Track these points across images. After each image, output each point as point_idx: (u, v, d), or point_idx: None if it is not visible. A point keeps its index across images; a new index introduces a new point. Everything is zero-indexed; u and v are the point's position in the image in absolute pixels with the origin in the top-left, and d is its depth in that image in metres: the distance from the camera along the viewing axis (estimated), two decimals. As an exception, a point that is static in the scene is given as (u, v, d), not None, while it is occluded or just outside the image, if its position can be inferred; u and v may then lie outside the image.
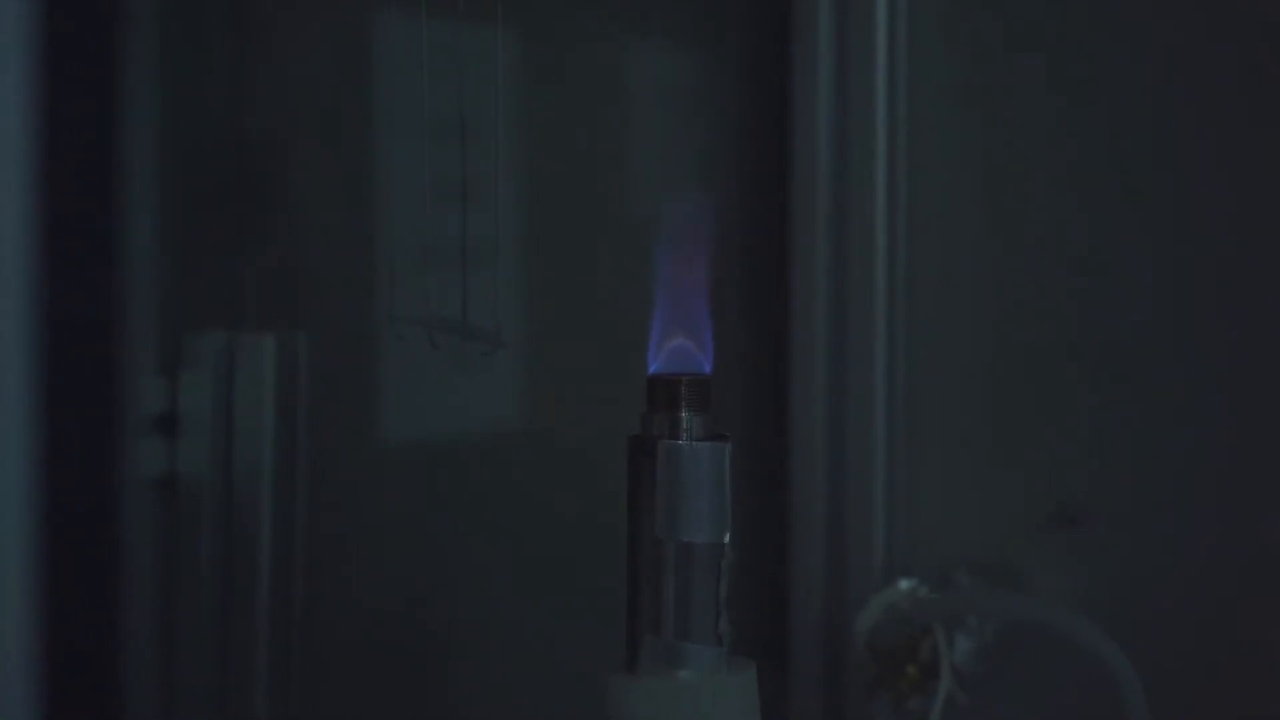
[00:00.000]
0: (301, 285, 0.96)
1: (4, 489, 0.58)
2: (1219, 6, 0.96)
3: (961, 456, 1.03)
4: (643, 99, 1.08)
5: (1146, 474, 0.98)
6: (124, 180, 0.82)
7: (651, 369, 0.75)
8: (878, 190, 1.03)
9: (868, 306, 1.03)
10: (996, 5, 1.02)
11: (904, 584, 1.00)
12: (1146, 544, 0.98)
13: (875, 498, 1.03)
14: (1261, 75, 0.94)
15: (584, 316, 1.04)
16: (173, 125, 0.91)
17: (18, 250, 0.59)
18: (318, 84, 0.97)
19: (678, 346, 0.75)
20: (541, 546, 1.02)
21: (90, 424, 0.61)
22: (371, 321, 0.95)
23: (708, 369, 0.75)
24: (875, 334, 1.03)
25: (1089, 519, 0.99)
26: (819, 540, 1.04)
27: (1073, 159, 1.00)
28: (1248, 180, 0.95)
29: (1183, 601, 0.97)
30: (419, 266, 0.92)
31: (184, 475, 0.89)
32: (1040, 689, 0.99)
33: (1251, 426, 0.96)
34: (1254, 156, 0.95)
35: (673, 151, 1.08)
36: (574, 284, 1.04)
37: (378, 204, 0.97)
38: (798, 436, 1.04)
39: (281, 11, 0.97)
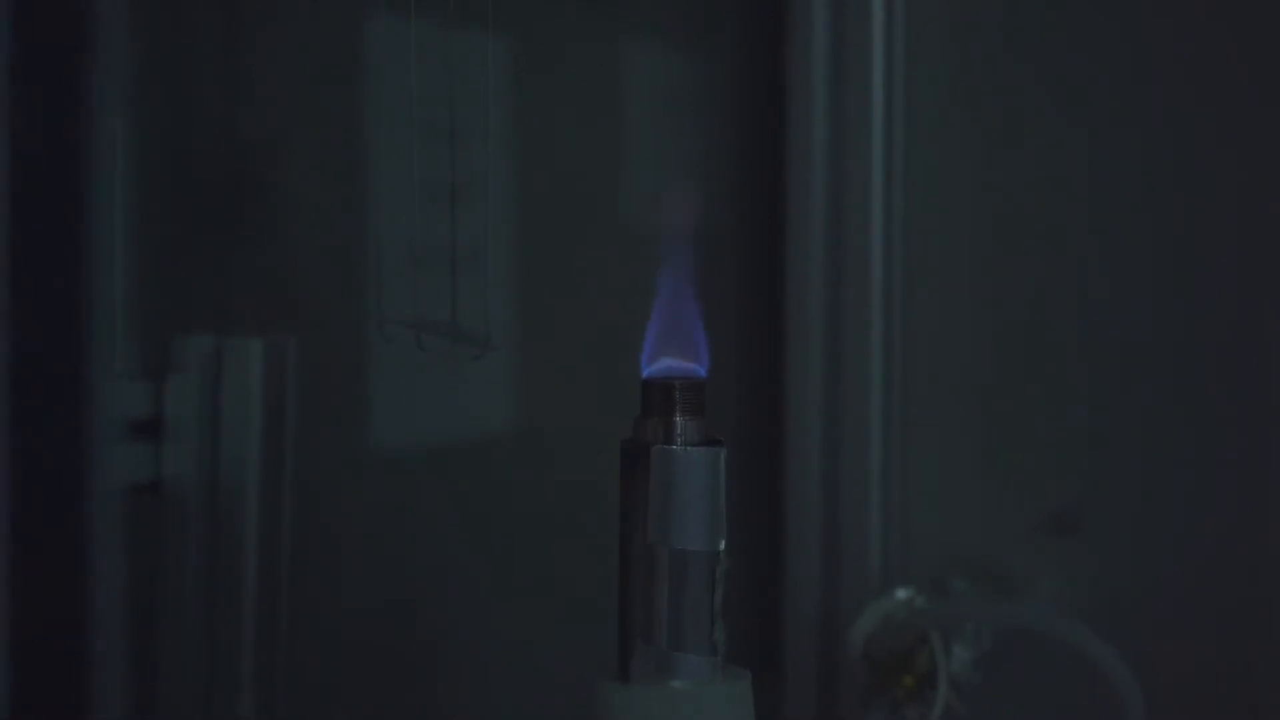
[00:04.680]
0: (290, 289, 0.96)
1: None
2: (1218, 5, 0.96)
3: (958, 463, 1.02)
4: (635, 99, 1.07)
5: (1145, 480, 0.98)
6: (109, 183, 0.82)
7: (645, 373, 0.75)
8: (873, 191, 1.03)
9: (864, 309, 1.03)
10: (993, 5, 1.02)
11: (900, 592, 1.00)
12: (1145, 551, 0.98)
13: (871, 504, 1.03)
14: (1261, 75, 0.94)
15: (577, 319, 1.03)
16: (161, 127, 0.90)
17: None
18: (307, 85, 0.96)
19: (670, 363, 0.74)
20: (533, 552, 1.02)
21: (64, 430, 0.60)
22: (361, 325, 0.95)
23: (703, 373, 0.75)
24: (871, 337, 1.03)
25: (1087, 525, 0.99)
26: (814, 548, 1.04)
27: (1070, 163, 1.00)
28: (1247, 182, 0.95)
29: (1182, 608, 0.97)
30: (409, 269, 0.92)
31: (170, 480, 0.89)
32: (1039, 698, 0.99)
33: (1250, 430, 0.95)
34: (1254, 158, 0.95)
35: (666, 152, 1.08)
36: (567, 286, 1.03)
37: (368, 207, 0.97)
38: (793, 442, 1.04)
39: (272, 12, 0.97)
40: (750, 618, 1.04)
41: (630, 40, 1.06)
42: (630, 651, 0.73)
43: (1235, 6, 0.96)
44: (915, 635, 0.98)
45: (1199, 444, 0.97)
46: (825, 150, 1.04)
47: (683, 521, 0.72)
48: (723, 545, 0.72)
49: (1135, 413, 0.99)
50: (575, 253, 1.04)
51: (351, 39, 0.96)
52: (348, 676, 0.97)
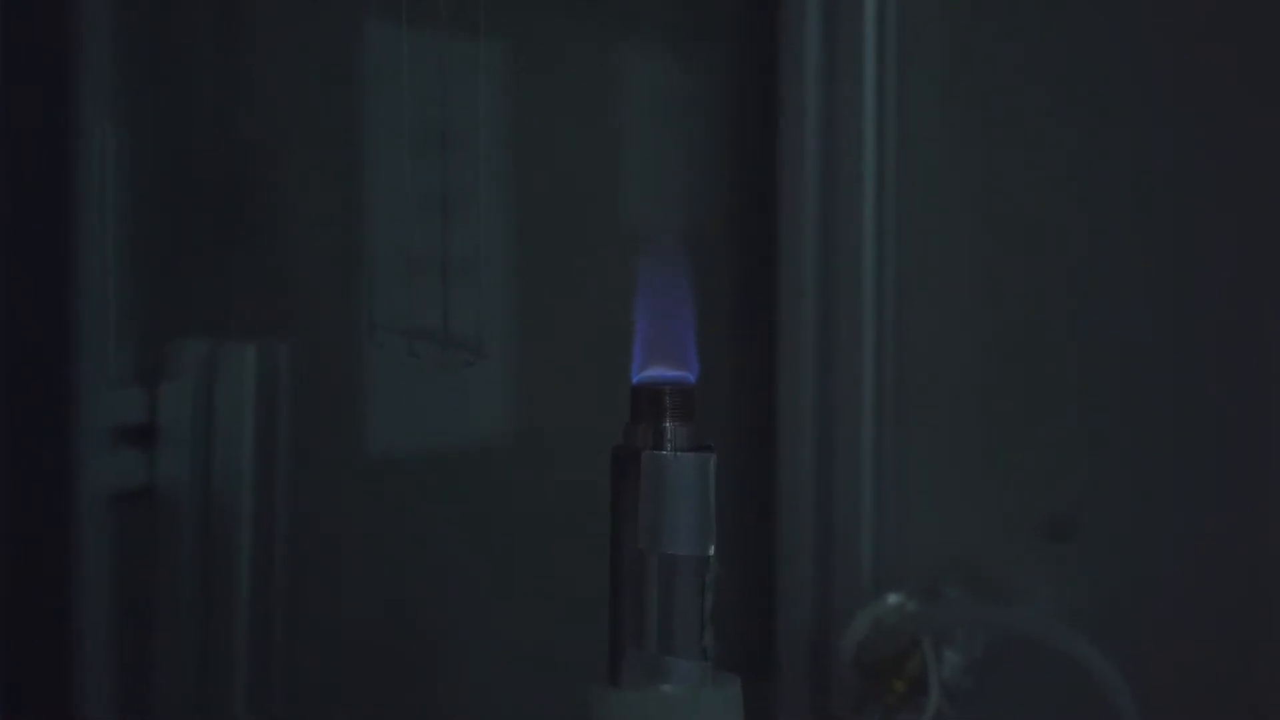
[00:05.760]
0: (284, 294, 0.96)
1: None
2: (1217, 7, 0.95)
3: (951, 468, 1.02)
4: (628, 106, 1.07)
5: (1139, 485, 0.98)
6: (102, 188, 0.82)
7: (635, 379, 0.75)
8: (866, 194, 1.02)
9: (856, 314, 1.03)
10: (988, 10, 1.02)
11: (892, 598, 1.00)
12: (1139, 557, 0.97)
13: (863, 509, 1.03)
14: (1260, 74, 0.94)
15: (572, 324, 1.03)
16: (155, 132, 0.90)
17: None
18: (301, 91, 0.96)
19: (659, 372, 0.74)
20: (531, 556, 1.02)
21: (57, 434, 0.60)
22: (355, 331, 0.95)
23: (693, 378, 0.75)
24: (863, 343, 1.03)
25: (1081, 531, 0.99)
26: (806, 553, 1.04)
27: (1065, 169, 1.00)
28: (1246, 181, 0.95)
29: (1176, 614, 0.96)
30: (404, 275, 0.92)
31: (164, 484, 0.89)
32: (1030, 704, 0.99)
33: (1246, 436, 0.95)
34: (1253, 158, 0.94)
35: (659, 156, 1.08)
36: (562, 291, 1.03)
37: (362, 213, 0.97)
38: (784, 447, 1.04)
39: (267, 19, 0.97)
40: (743, 623, 1.04)
41: (624, 45, 1.06)
42: (621, 656, 0.73)
43: (1235, 6, 0.95)
44: (907, 640, 0.98)
45: (1197, 447, 0.97)
46: (818, 154, 1.03)
47: (673, 526, 0.72)
48: (712, 550, 0.72)
49: (1132, 416, 0.99)
50: (570, 257, 1.04)
51: (345, 44, 0.96)
52: (345, 678, 0.98)
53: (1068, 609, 0.98)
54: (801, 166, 1.03)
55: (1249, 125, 0.95)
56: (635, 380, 0.74)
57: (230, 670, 0.91)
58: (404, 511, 0.98)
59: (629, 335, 0.75)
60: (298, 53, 0.96)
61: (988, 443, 1.02)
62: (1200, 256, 0.96)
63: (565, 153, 1.03)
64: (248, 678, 0.91)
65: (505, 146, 0.97)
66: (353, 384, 0.96)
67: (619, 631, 0.73)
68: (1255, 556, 0.95)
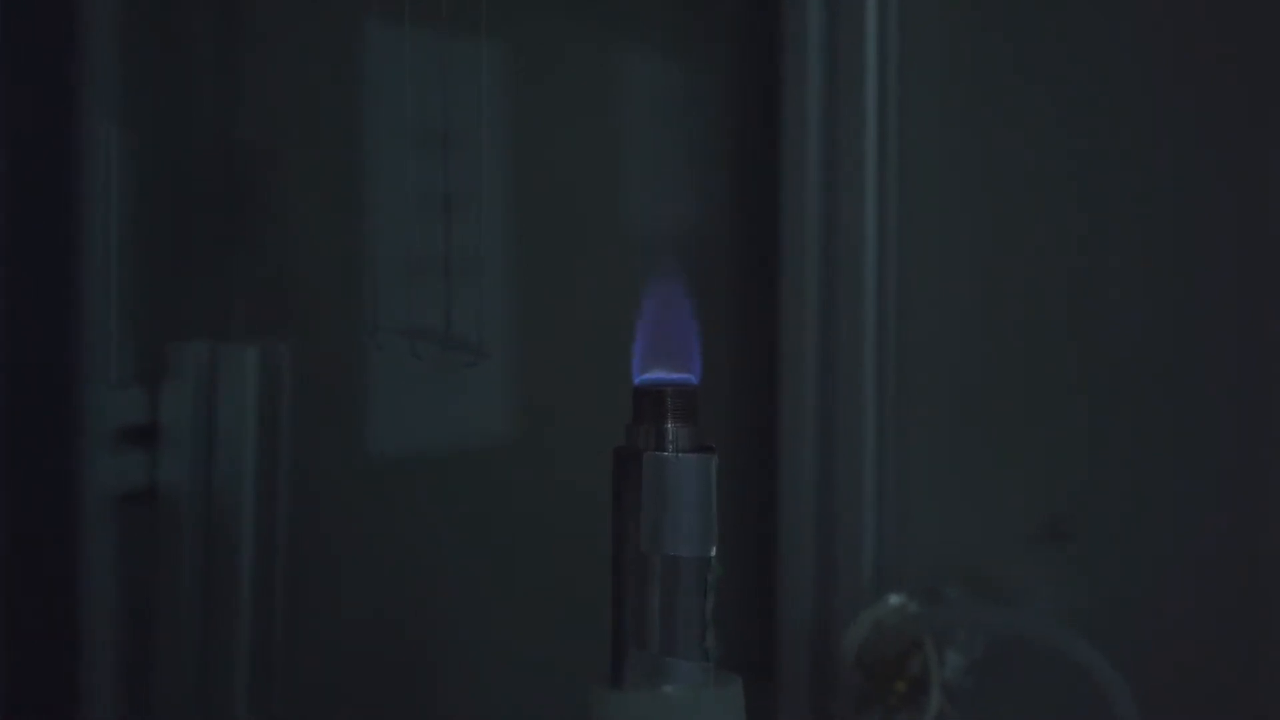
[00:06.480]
0: (285, 295, 0.96)
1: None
2: (1218, 8, 0.95)
3: (952, 469, 1.02)
4: (628, 106, 1.07)
5: (1140, 487, 0.98)
6: (104, 189, 0.82)
7: (637, 380, 0.75)
8: (868, 200, 1.02)
9: (857, 316, 1.03)
10: (989, 11, 1.02)
11: (893, 599, 1.00)
12: (1140, 558, 0.97)
13: (865, 511, 1.03)
14: (1261, 75, 0.94)
15: (573, 325, 1.03)
16: (157, 134, 0.90)
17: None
18: (302, 91, 0.96)
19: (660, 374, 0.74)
20: (527, 557, 1.02)
21: (59, 436, 0.60)
22: (357, 333, 0.95)
23: (695, 379, 0.75)
24: (865, 344, 1.03)
25: (1082, 533, 0.99)
26: (808, 554, 1.04)
27: (1066, 171, 1.00)
28: (1247, 182, 0.95)
29: (1176, 614, 0.96)
30: (404, 276, 0.92)
31: (165, 486, 0.89)
32: (1031, 705, 0.99)
33: (1246, 438, 0.95)
34: (1254, 158, 0.94)
35: (660, 158, 1.08)
36: (560, 292, 1.03)
37: (363, 213, 0.97)
38: (786, 448, 1.04)
39: (268, 19, 0.97)
40: (743, 623, 1.04)
41: (626, 47, 1.06)
42: (623, 657, 0.73)
43: (1235, 6, 0.95)
44: (908, 641, 0.98)
45: (1197, 447, 0.97)
46: (819, 154, 1.03)
47: (674, 528, 0.72)
48: (714, 551, 0.72)
49: (1132, 416, 0.99)
50: (570, 257, 1.04)
51: (345, 44, 0.96)
52: (345, 679, 0.97)
53: (1068, 609, 0.98)
54: (802, 166, 1.03)
55: (1249, 125, 0.95)
56: (638, 381, 0.74)
57: (230, 670, 0.90)
58: (405, 512, 0.98)
59: (629, 335, 0.75)
60: (298, 53, 0.96)
61: (988, 443, 1.02)
62: (1200, 256, 0.96)
63: (565, 153, 1.03)
64: (248, 678, 0.91)
65: (506, 147, 0.97)
66: (354, 385, 0.96)
67: (621, 632, 0.73)
68: (1255, 556, 0.95)
